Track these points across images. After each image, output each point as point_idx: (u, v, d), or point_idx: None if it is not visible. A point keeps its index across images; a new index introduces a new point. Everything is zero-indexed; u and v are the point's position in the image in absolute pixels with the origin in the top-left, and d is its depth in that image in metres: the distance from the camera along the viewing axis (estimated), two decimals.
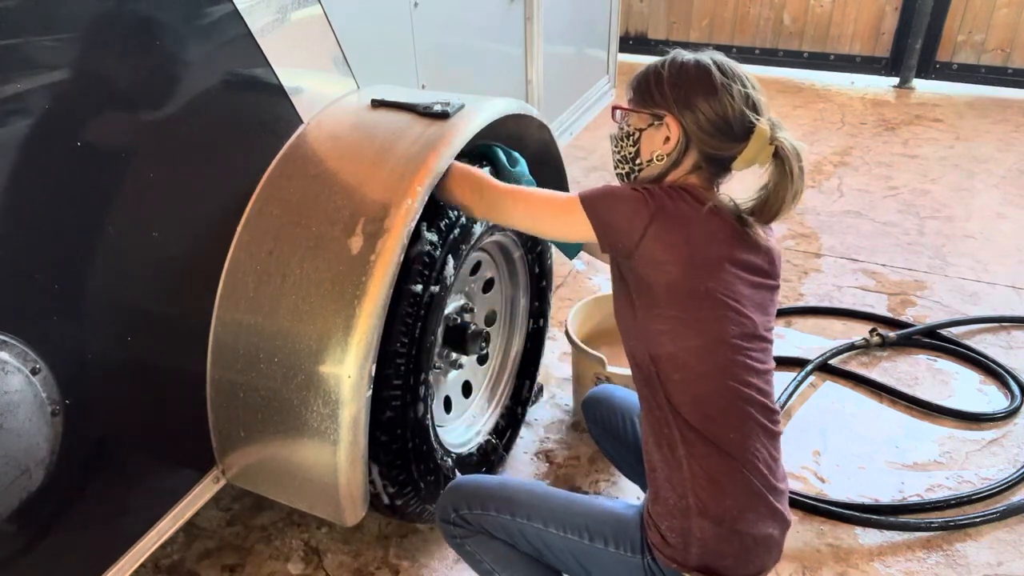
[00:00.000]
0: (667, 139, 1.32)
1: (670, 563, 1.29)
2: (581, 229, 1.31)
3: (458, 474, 1.78)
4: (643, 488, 1.69)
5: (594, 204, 1.29)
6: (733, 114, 1.27)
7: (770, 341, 1.34)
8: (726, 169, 1.34)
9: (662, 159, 1.33)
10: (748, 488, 1.27)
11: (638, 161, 1.37)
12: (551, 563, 1.42)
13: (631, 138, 1.37)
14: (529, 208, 1.41)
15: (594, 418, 1.74)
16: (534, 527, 1.38)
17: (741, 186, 1.36)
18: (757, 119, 1.28)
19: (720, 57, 1.32)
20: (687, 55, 1.33)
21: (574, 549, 1.37)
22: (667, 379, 1.28)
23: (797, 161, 1.27)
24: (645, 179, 1.37)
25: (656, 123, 1.32)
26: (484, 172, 1.49)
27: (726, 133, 1.29)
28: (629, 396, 1.72)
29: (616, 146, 1.41)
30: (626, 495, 2.04)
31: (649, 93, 1.33)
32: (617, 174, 1.44)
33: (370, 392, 1.39)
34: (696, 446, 1.27)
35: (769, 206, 1.29)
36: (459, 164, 1.49)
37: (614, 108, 1.41)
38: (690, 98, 1.29)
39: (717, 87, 1.27)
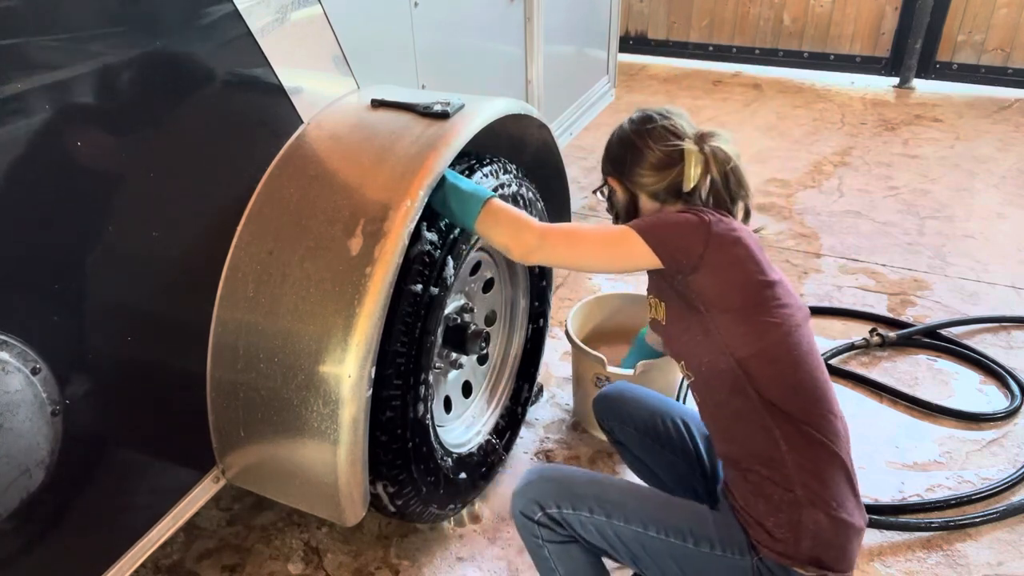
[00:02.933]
0: (618, 193, 1.53)
1: (781, 558, 1.28)
2: (641, 256, 1.36)
3: (462, 475, 1.78)
4: (688, 495, 1.65)
5: (651, 230, 1.37)
6: (649, 151, 1.45)
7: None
8: (680, 193, 1.45)
9: (623, 211, 1.53)
10: (845, 472, 1.33)
11: (617, 218, 1.57)
12: (646, 568, 1.38)
13: (608, 203, 1.59)
14: (582, 248, 1.45)
15: (620, 417, 1.67)
16: (633, 530, 1.35)
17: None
18: (673, 144, 1.42)
19: (641, 111, 1.50)
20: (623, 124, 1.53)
21: (676, 553, 1.33)
22: (760, 377, 1.31)
23: (724, 163, 1.43)
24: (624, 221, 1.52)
25: (608, 186, 1.55)
26: (521, 212, 1.49)
27: (650, 168, 1.45)
28: (658, 395, 1.70)
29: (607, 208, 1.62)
30: None
31: (602, 167, 1.57)
32: None
33: (370, 392, 1.39)
34: (796, 438, 1.30)
35: (731, 204, 1.46)
36: (497, 202, 1.47)
37: (593, 191, 1.64)
38: (614, 156, 1.52)
39: (630, 137, 1.48)
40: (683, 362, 1.45)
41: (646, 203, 1.49)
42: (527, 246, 1.42)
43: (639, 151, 1.46)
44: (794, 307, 1.36)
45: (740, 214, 1.47)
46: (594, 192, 1.60)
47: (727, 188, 1.44)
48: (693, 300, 1.36)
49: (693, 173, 1.41)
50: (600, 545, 1.38)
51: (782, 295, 1.35)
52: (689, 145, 1.42)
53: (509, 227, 1.44)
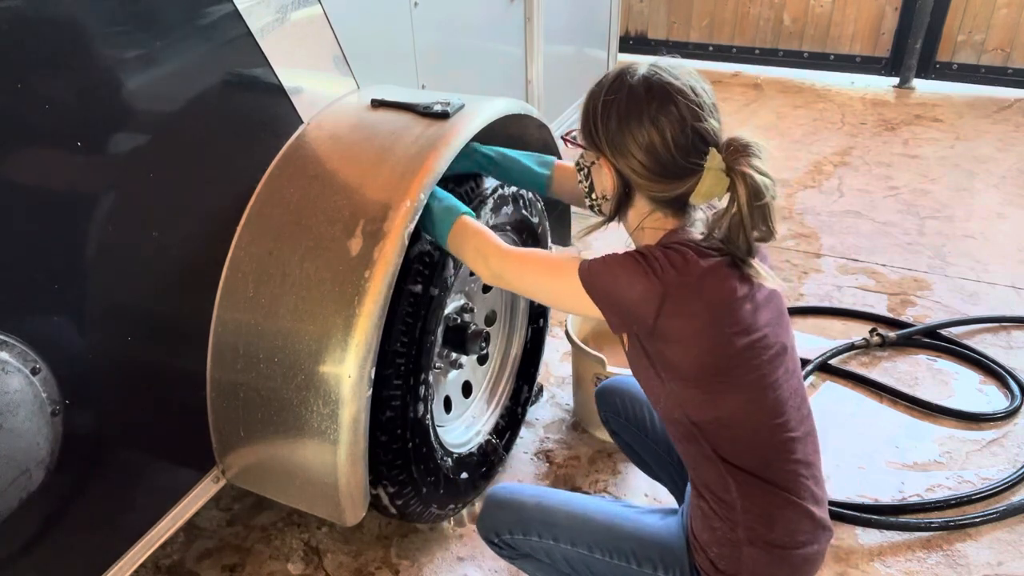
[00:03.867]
0: (608, 180, 1.24)
1: None
2: (584, 306, 1.22)
3: (462, 475, 1.78)
4: (670, 488, 1.68)
5: (594, 285, 1.20)
6: (668, 156, 1.16)
7: (792, 339, 1.28)
8: (684, 205, 1.22)
9: (607, 200, 1.28)
10: (799, 512, 1.25)
11: (594, 196, 1.31)
12: None
13: (583, 172, 1.30)
14: (528, 276, 1.33)
15: (614, 409, 1.68)
16: (578, 552, 1.35)
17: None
18: (697, 158, 1.15)
19: (661, 76, 1.18)
20: (626, 77, 1.20)
21: (621, 574, 1.34)
22: (714, 436, 1.23)
23: (753, 199, 1.12)
24: (610, 214, 1.31)
25: (597, 162, 1.25)
26: (491, 234, 1.38)
27: (664, 175, 1.18)
28: None
29: (578, 176, 1.34)
30: (632, 493, 2.04)
31: (588, 129, 1.24)
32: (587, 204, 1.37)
33: (370, 392, 1.39)
34: (749, 487, 1.23)
35: (746, 231, 1.16)
36: (468, 221, 1.41)
37: (564, 138, 1.34)
38: (620, 141, 1.18)
39: (645, 126, 1.16)
40: (643, 388, 1.33)
41: (640, 204, 1.25)
42: (490, 270, 1.35)
43: (651, 145, 1.16)
44: (765, 360, 1.19)
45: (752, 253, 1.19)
46: (564, 137, 1.35)
47: (751, 224, 1.15)
48: (649, 353, 1.23)
49: (707, 192, 1.16)
50: (552, 565, 1.39)
51: (756, 353, 1.18)
52: (715, 163, 1.14)
53: (474, 250, 1.37)
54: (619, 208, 1.28)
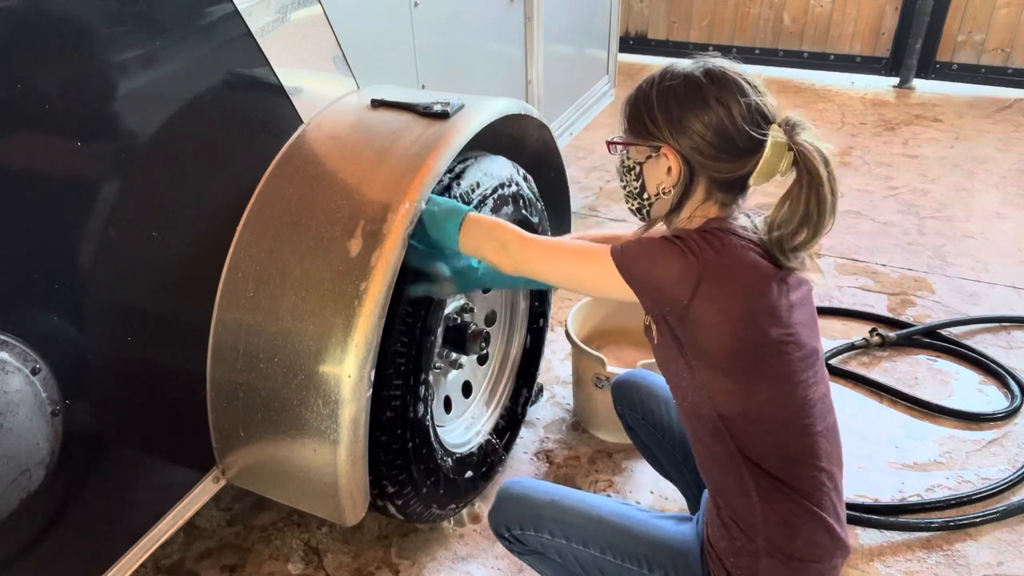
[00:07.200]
0: (669, 170, 1.21)
1: None
2: (616, 287, 1.21)
3: (462, 475, 1.78)
4: (684, 493, 1.66)
5: (630, 264, 1.19)
6: (735, 131, 1.15)
7: (822, 347, 1.28)
8: (743, 187, 1.22)
9: (669, 192, 1.23)
10: (819, 525, 1.24)
11: (646, 196, 1.27)
12: None
13: (633, 172, 1.27)
14: (555, 261, 1.33)
15: (630, 403, 1.65)
16: (590, 554, 1.34)
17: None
18: (763, 131, 1.15)
19: (714, 64, 1.20)
20: (677, 68, 1.21)
21: None
22: (740, 432, 1.21)
23: (824, 165, 1.13)
24: (659, 214, 1.27)
25: (654, 155, 1.22)
26: (506, 223, 1.39)
27: (731, 152, 1.17)
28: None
29: (622, 180, 1.31)
30: (636, 491, 2.04)
31: (642, 122, 1.22)
32: (629, 209, 1.34)
33: (370, 392, 1.39)
34: (771, 492, 1.22)
35: (804, 224, 1.15)
36: (474, 217, 1.40)
37: (608, 143, 1.32)
38: (684, 123, 1.17)
39: (711, 104, 1.16)
40: (669, 385, 1.32)
41: (698, 191, 1.22)
42: (512, 258, 1.34)
43: (719, 122, 1.15)
44: (797, 358, 1.19)
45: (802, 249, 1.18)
46: (609, 144, 1.31)
47: (808, 203, 1.13)
48: (681, 340, 1.21)
49: (769, 169, 1.16)
50: (562, 564, 1.39)
51: (788, 349, 1.18)
52: (779, 136, 1.14)
53: (492, 241, 1.36)
54: (682, 197, 1.23)
